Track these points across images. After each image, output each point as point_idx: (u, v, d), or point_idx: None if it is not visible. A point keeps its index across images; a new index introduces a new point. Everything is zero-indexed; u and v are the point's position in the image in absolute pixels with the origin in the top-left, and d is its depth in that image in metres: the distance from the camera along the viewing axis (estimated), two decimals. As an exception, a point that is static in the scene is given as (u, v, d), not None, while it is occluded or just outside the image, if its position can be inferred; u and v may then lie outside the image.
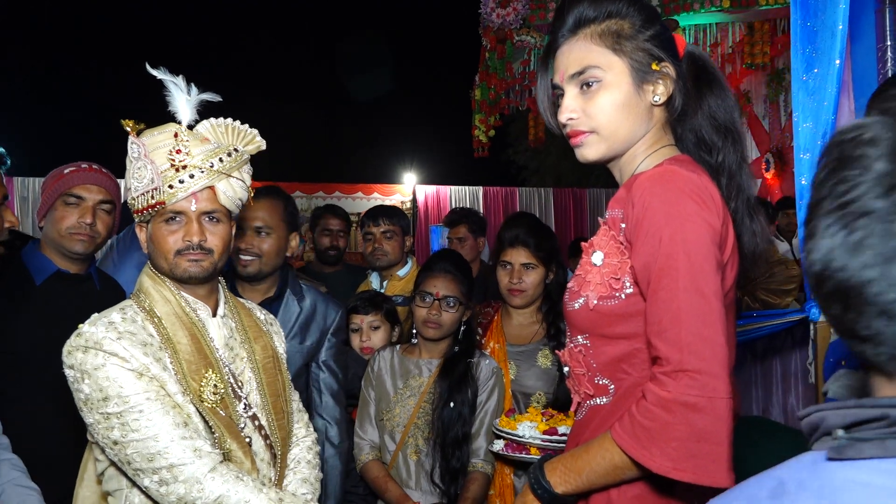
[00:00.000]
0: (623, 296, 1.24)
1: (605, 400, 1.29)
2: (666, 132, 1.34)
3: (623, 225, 1.24)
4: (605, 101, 1.27)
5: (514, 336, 2.43)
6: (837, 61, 2.22)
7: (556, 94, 1.35)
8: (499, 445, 2.13)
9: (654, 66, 1.27)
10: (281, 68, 19.76)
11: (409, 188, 11.67)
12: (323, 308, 2.28)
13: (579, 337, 1.33)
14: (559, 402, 2.25)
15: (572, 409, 1.38)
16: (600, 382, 1.30)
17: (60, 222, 2.08)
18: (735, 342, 1.33)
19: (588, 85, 1.28)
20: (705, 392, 1.09)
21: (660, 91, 1.29)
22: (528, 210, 10.70)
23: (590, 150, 1.32)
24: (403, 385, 2.28)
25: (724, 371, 1.11)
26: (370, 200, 11.22)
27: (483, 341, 2.43)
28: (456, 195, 11.57)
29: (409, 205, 11.14)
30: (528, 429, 2.06)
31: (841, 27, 2.20)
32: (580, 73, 1.28)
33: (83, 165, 2.14)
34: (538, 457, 1.67)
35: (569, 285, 1.37)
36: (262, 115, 1.64)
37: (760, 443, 2.41)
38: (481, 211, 11.15)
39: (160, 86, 1.55)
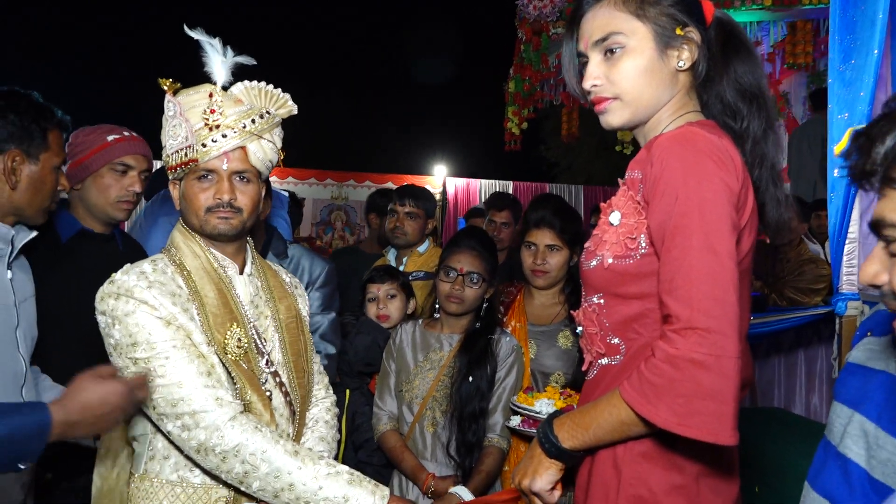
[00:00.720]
0: (638, 255, 1.25)
1: (616, 360, 1.31)
2: (691, 98, 1.34)
3: (641, 185, 1.25)
4: (628, 66, 1.28)
5: (536, 316, 2.45)
6: (876, 51, 2.19)
7: (582, 62, 1.35)
8: (515, 421, 2.15)
9: (678, 31, 1.27)
10: (316, 55, 19.93)
11: (439, 180, 11.71)
12: (308, 263, 2.38)
13: (594, 297, 1.34)
14: (578, 383, 2.25)
15: (583, 367, 1.40)
16: (612, 342, 1.31)
17: (108, 190, 2.14)
18: (749, 306, 1.33)
19: (612, 51, 1.29)
20: (713, 350, 1.09)
21: (684, 56, 1.29)
22: (558, 206, 10.65)
23: (614, 117, 1.32)
24: (424, 358, 2.31)
25: (734, 330, 1.11)
26: (400, 190, 11.26)
27: (505, 320, 2.45)
28: (486, 188, 11.57)
29: (439, 197, 11.17)
30: (546, 405, 2.08)
31: (881, 16, 2.17)
32: (603, 39, 1.29)
33: (125, 133, 2.19)
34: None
35: (586, 245, 1.38)
36: (296, 100, 1.67)
37: (780, 435, 2.39)
38: (510, 205, 11.17)
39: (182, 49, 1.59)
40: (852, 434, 1.03)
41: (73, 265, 2.04)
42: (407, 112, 20.13)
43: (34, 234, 1.87)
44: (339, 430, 2.01)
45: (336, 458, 1.64)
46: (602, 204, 1.36)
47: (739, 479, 1.33)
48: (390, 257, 3.28)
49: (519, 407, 2.13)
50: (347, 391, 2.48)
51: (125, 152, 2.15)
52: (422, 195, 3.30)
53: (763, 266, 4.28)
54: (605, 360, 1.33)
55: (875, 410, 1.00)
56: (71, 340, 1.91)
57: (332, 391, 1.81)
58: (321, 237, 10.92)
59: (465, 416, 2.20)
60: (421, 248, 3.23)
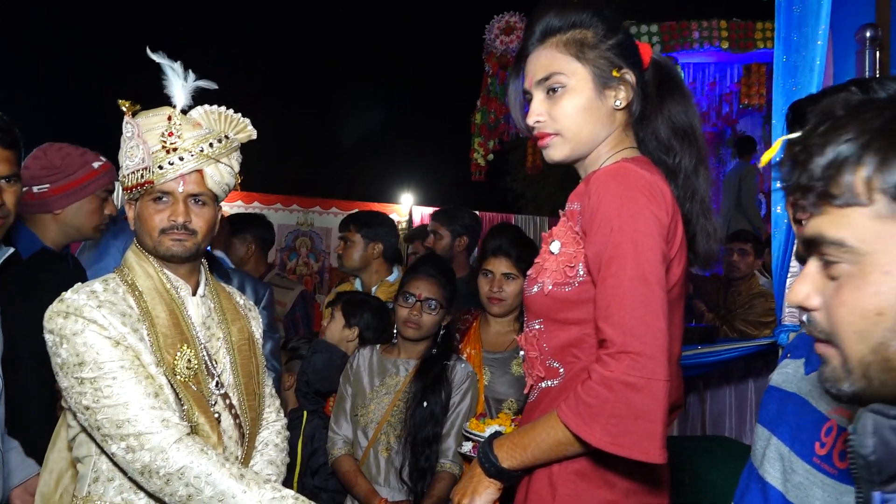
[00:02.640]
0: (576, 283, 1.31)
1: (555, 382, 1.36)
2: (627, 135, 1.42)
3: (580, 216, 1.32)
4: (568, 105, 1.36)
5: (491, 343, 2.48)
6: (815, 94, 2.30)
7: (527, 99, 1.44)
8: (467, 447, 2.17)
9: (614, 73, 1.36)
10: (284, 80, 19.97)
11: (405, 208, 11.77)
12: (252, 286, 2.42)
13: (535, 322, 1.40)
14: (530, 409, 2.29)
15: (525, 391, 1.45)
16: (551, 365, 1.36)
17: (93, 215, 2.22)
18: (681, 335, 1.39)
19: (553, 90, 1.37)
20: (644, 373, 1.16)
21: (621, 96, 1.37)
22: (523, 236, 10.75)
23: (555, 151, 1.40)
24: (380, 383, 2.33)
25: (664, 355, 1.18)
26: (366, 217, 11.26)
27: (461, 346, 2.48)
28: (451, 217, 11.63)
29: (405, 224, 11.20)
30: (497, 432, 2.10)
31: (819, 63, 2.30)
32: (546, 78, 1.38)
33: (102, 159, 2.28)
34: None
35: (528, 273, 1.44)
36: (262, 125, 1.70)
37: (724, 462, 2.45)
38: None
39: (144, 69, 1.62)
40: (770, 457, 1.07)
41: (32, 283, 2.04)
42: (375, 140, 20.24)
43: (11, 250, 1.87)
44: (296, 454, 2.00)
45: (291, 482, 1.64)
46: (543, 234, 1.42)
47: (669, 496, 1.38)
48: (357, 285, 3.20)
49: (470, 433, 2.14)
50: (304, 413, 2.47)
51: (111, 180, 2.26)
52: (360, 219, 3.20)
53: (715, 299, 4.40)
54: (544, 384, 1.38)
55: (788, 433, 1.04)
56: (24, 359, 1.90)
57: (283, 414, 1.81)
58: (286, 263, 10.85)
59: (419, 441, 2.21)
60: (391, 278, 3.12)
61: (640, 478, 1.30)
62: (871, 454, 0.75)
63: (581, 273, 1.31)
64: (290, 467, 2.25)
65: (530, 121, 1.40)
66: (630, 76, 1.38)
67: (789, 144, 0.80)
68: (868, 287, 0.73)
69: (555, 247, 1.36)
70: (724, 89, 7.03)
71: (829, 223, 0.75)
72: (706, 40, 6.37)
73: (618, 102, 1.37)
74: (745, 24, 6.29)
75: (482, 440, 2.08)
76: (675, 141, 1.42)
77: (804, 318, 0.96)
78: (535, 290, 1.38)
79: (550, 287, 1.34)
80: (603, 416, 1.17)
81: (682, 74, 6.73)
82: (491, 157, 7.37)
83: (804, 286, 0.80)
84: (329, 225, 12.25)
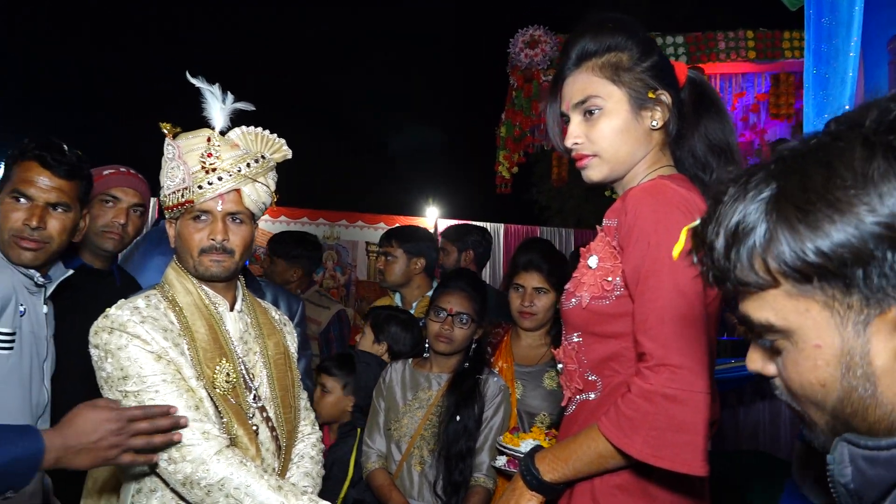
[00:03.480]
0: (614, 297, 1.33)
1: (593, 395, 1.37)
2: (664, 154, 1.44)
3: (617, 232, 1.34)
4: (605, 127, 1.39)
5: (522, 357, 2.49)
6: (847, 107, 2.29)
7: (564, 121, 1.47)
8: (501, 461, 2.17)
9: (650, 95, 1.39)
10: (310, 95, 20.23)
11: (431, 221, 11.81)
12: (285, 301, 2.42)
13: (573, 335, 1.41)
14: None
15: (563, 403, 1.46)
16: (590, 378, 1.38)
17: (95, 220, 2.21)
18: (715, 349, 1.39)
19: (590, 112, 1.40)
20: (684, 385, 1.17)
21: (657, 117, 1.40)
22: (549, 249, 10.72)
23: (594, 172, 1.43)
24: (413, 397, 2.34)
25: (703, 367, 1.19)
26: (392, 231, 11.34)
27: (492, 360, 2.49)
28: (477, 230, 11.65)
29: (430, 238, 11.22)
30: (532, 446, 2.10)
31: (851, 74, 2.28)
32: (583, 101, 1.41)
33: (121, 169, 2.28)
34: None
35: (566, 286, 1.45)
36: (289, 141, 1.74)
37: (760, 477, 2.42)
38: (501, 248, 11.23)
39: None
40: None
41: (73, 300, 2.09)
42: (400, 153, 20.40)
43: (70, 272, 1.93)
44: (349, 467, 2.04)
45: (339, 495, 1.66)
46: (581, 248, 1.44)
47: None
48: (396, 299, 3.19)
49: (505, 447, 2.15)
50: (359, 430, 2.48)
51: (115, 184, 2.25)
52: (402, 234, 3.17)
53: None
54: (582, 396, 1.39)
55: None
56: (70, 374, 1.95)
57: (318, 427, 1.84)
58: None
59: (453, 455, 2.22)
60: (430, 293, 2.96)
61: (682, 491, 1.30)
62: (849, 482, 0.74)
63: (619, 287, 1.32)
64: (341, 480, 2.28)
65: (568, 143, 1.43)
66: (666, 97, 1.40)
67: (692, 234, 0.80)
68: (805, 362, 0.73)
69: (592, 261, 1.38)
70: (752, 99, 6.97)
71: (752, 306, 0.75)
72: (732, 51, 6.34)
73: (654, 123, 1.40)
74: (772, 34, 6.25)
75: (518, 454, 2.09)
76: (711, 157, 1.44)
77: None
78: (574, 303, 1.40)
79: (588, 300, 1.36)
80: (644, 428, 1.18)
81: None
82: (516, 169, 7.38)
83: (757, 355, 0.80)
84: (355, 238, 12.35)
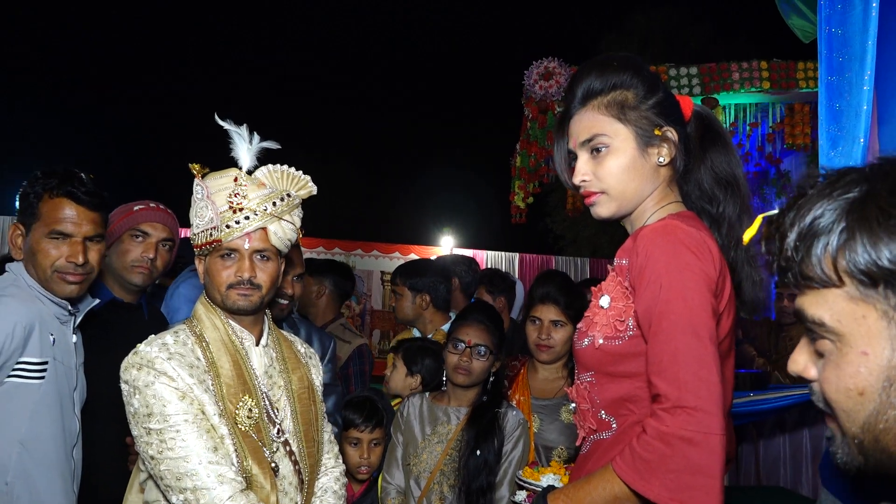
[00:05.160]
0: (627, 337, 1.34)
1: (607, 435, 1.38)
2: (672, 189, 1.46)
3: (628, 272, 1.35)
4: (612, 164, 1.41)
5: (539, 390, 2.49)
6: (861, 140, 2.31)
7: (571, 159, 1.49)
8: (521, 496, 2.16)
9: (656, 132, 1.41)
10: (325, 125, 20.50)
11: (446, 250, 11.84)
12: (318, 338, 2.47)
13: (586, 374, 1.43)
14: (581, 458, 2.29)
15: (577, 443, 1.47)
16: (603, 418, 1.39)
17: (125, 255, 2.27)
18: (732, 386, 1.40)
19: (597, 150, 1.43)
20: (701, 428, 1.17)
21: (664, 153, 1.42)
22: (564, 278, 10.69)
23: (602, 209, 1.45)
24: (431, 431, 2.35)
25: (719, 409, 1.19)
26: (407, 260, 11.42)
27: (509, 393, 2.49)
28: (492, 260, 11.68)
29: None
30: (552, 480, 2.09)
31: (866, 108, 2.31)
32: (589, 140, 1.43)
33: (150, 204, 2.35)
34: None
35: (578, 326, 1.48)
36: (305, 169, 1.79)
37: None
38: (516, 277, 11.24)
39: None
40: None
41: (102, 333, 2.14)
42: (415, 183, 20.55)
43: (96, 301, 1.99)
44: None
45: None
46: (593, 287, 1.46)
47: None
48: (415, 333, 3.21)
49: (525, 482, 2.14)
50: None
51: (144, 220, 2.31)
52: (406, 272, 3.21)
53: (766, 344, 4.32)
54: (596, 436, 1.41)
55: None
56: (101, 406, 2.00)
57: (341, 460, 1.86)
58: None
59: (473, 490, 2.22)
60: (445, 327, 3.00)
61: None
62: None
63: (631, 327, 1.34)
64: None
65: (576, 180, 1.46)
66: (672, 133, 1.42)
67: (768, 222, 0.80)
68: (847, 367, 0.72)
69: (604, 301, 1.40)
70: (767, 129, 6.98)
71: (809, 302, 0.75)
72: (746, 81, 6.37)
73: (661, 159, 1.42)
74: (786, 65, 6.28)
75: (538, 488, 2.09)
76: (718, 190, 1.46)
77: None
78: (587, 343, 1.41)
79: (601, 341, 1.37)
80: (661, 470, 1.18)
81: (724, 115, 6.74)
82: (531, 199, 7.42)
83: (801, 357, 0.79)
84: (370, 268, 12.40)
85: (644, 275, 1.30)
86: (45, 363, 1.81)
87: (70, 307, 1.92)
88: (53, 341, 1.85)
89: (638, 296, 1.31)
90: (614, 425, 1.37)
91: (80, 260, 1.86)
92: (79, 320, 1.97)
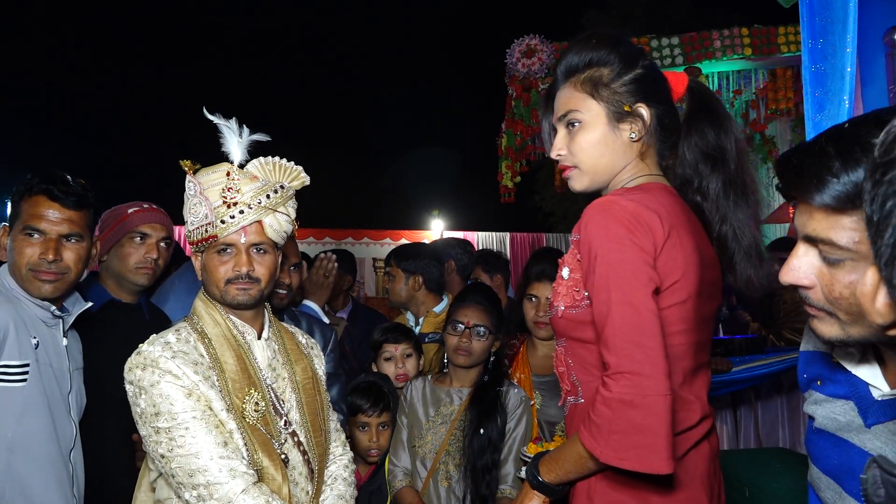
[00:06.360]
0: (583, 306, 1.41)
1: (578, 400, 1.47)
2: (647, 164, 1.50)
3: (579, 245, 1.41)
4: (584, 139, 1.47)
5: (539, 367, 2.52)
6: (847, 103, 2.32)
7: (555, 133, 1.55)
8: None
9: (626, 108, 1.45)
10: (313, 113, 20.38)
11: (436, 234, 11.86)
12: (319, 329, 2.48)
13: (561, 340, 1.51)
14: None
15: (559, 403, 1.57)
16: (574, 381, 1.47)
17: (128, 258, 2.27)
18: (704, 348, 1.47)
19: (572, 125, 1.49)
20: (640, 391, 1.24)
21: (635, 129, 1.47)
22: (556, 255, 10.75)
23: (576, 182, 1.52)
24: (435, 413, 2.38)
25: (660, 371, 1.25)
26: (398, 246, 11.43)
27: (509, 371, 2.52)
28: (483, 241, 11.71)
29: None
30: (546, 451, 2.13)
31: (849, 69, 2.31)
32: (565, 115, 1.50)
33: (144, 205, 2.35)
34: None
35: (548, 296, 1.53)
36: (293, 158, 1.79)
37: (782, 473, 2.43)
38: (508, 256, 11.27)
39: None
40: None
41: (103, 335, 2.14)
42: (403, 169, 20.49)
43: (88, 304, 1.98)
44: (386, 495, 2.10)
45: None
46: (559, 260, 1.52)
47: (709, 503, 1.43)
48: (408, 317, 3.24)
49: (529, 457, 2.17)
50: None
51: (142, 221, 2.31)
52: (400, 254, 3.25)
53: (760, 308, 4.37)
54: (571, 399, 1.49)
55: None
56: (104, 408, 2.00)
57: (349, 448, 1.87)
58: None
59: (479, 468, 2.25)
60: (437, 309, 3.13)
61: (675, 489, 1.37)
62: (883, 503, 0.78)
63: (586, 296, 1.40)
64: (382, 502, 2.32)
65: (553, 154, 1.53)
66: (644, 110, 1.46)
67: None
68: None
69: (565, 272, 1.47)
70: (750, 95, 7.00)
71: (843, 223, 0.88)
72: (728, 49, 6.37)
73: (633, 135, 1.47)
74: (766, 30, 6.28)
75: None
76: (702, 165, 1.50)
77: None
78: (554, 312, 1.49)
79: (562, 309, 1.45)
80: (607, 433, 1.27)
81: (707, 84, 6.74)
82: (518, 178, 7.43)
83: (799, 262, 0.93)
84: (362, 255, 12.41)
85: (583, 248, 1.37)
86: (26, 365, 1.81)
87: (54, 309, 1.91)
88: (37, 344, 1.84)
89: (582, 268, 1.38)
90: (580, 390, 1.45)
91: (51, 257, 1.85)
92: (69, 323, 1.96)
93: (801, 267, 0.94)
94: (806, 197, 0.89)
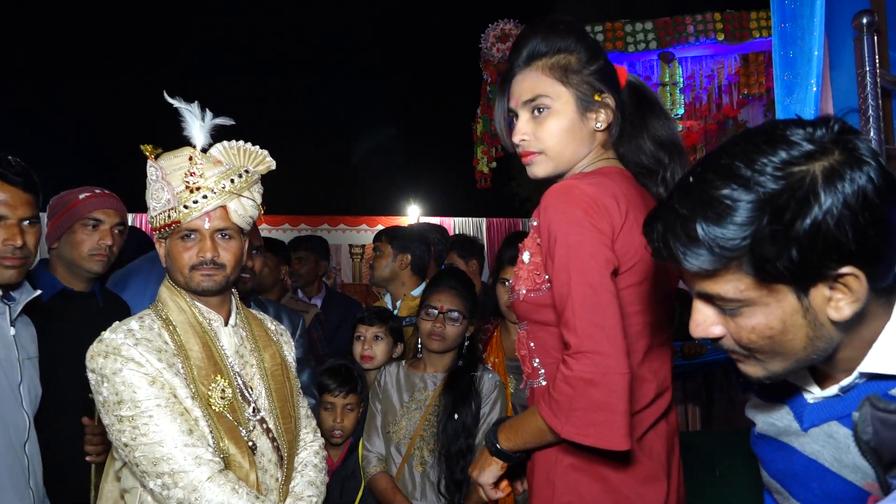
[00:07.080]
0: (544, 289, 1.41)
1: (537, 383, 1.49)
2: (606, 151, 1.52)
3: (539, 230, 1.42)
4: (552, 125, 1.46)
5: (513, 351, 2.52)
6: (814, 87, 2.34)
7: (511, 117, 1.53)
8: (500, 456, 2.20)
9: (595, 97, 1.45)
10: (285, 102, 20.15)
11: (412, 220, 11.84)
12: (287, 316, 2.48)
13: (523, 324, 1.52)
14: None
15: (521, 385, 1.60)
16: (535, 364, 1.48)
17: (81, 245, 2.20)
18: (668, 323, 1.50)
19: (539, 111, 1.47)
20: (599, 369, 1.27)
21: (601, 118, 1.47)
22: (532, 240, 10.78)
23: (538, 168, 1.50)
24: (409, 398, 2.37)
25: (618, 350, 1.28)
26: (374, 232, 11.39)
27: (484, 356, 2.52)
28: (460, 226, 11.70)
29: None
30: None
31: (816, 53, 2.33)
32: (532, 100, 1.47)
33: (97, 191, 2.27)
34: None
35: (510, 280, 1.53)
36: (267, 146, 1.76)
37: (752, 454, 2.47)
38: (485, 242, 11.28)
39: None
40: None
41: (56, 325, 2.08)
42: (379, 155, 20.36)
43: (38, 292, 1.93)
44: (360, 480, 2.09)
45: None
46: (520, 244, 1.52)
47: (666, 481, 1.45)
48: (386, 300, 3.24)
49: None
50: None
51: (95, 208, 2.24)
52: (391, 231, 3.27)
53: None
54: (533, 382, 1.51)
55: (814, 500, 1.02)
56: (60, 399, 1.95)
57: (319, 434, 1.86)
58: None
59: (453, 453, 2.25)
60: (415, 292, 3.11)
61: (633, 469, 1.40)
62: (870, 440, 0.80)
63: (547, 279, 1.40)
64: (355, 489, 2.32)
65: (516, 139, 1.50)
66: (610, 100, 1.47)
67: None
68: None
69: (525, 257, 1.47)
70: (723, 80, 7.05)
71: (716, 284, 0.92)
72: (701, 34, 6.40)
73: (598, 124, 1.47)
74: (739, 15, 6.32)
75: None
76: (662, 154, 1.52)
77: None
78: (515, 295, 1.50)
79: (524, 292, 1.45)
80: (568, 410, 1.30)
81: (681, 69, 6.77)
82: (494, 164, 7.42)
83: (702, 316, 0.95)
84: (338, 241, 12.35)
85: (542, 231, 1.38)
86: None
87: (2, 300, 1.85)
88: None
89: (542, 251, 1.39)
90: (542, 371, 1.47)
91: (19, 242, 1.81)
92: (16, 312, 1.89)
93: (706, 321, 0.95)
94: (681, 267, 0.91)
